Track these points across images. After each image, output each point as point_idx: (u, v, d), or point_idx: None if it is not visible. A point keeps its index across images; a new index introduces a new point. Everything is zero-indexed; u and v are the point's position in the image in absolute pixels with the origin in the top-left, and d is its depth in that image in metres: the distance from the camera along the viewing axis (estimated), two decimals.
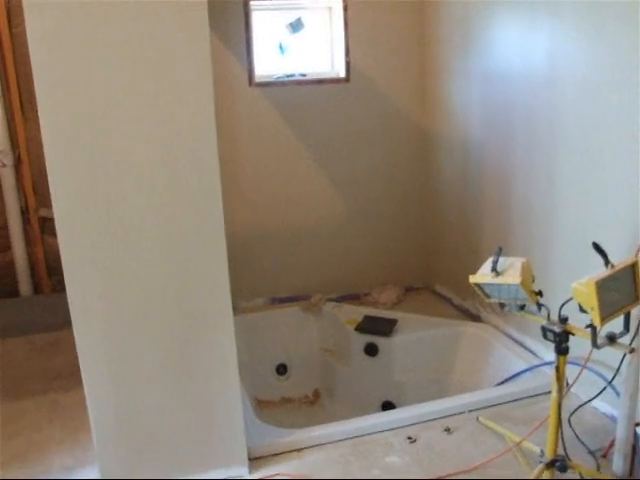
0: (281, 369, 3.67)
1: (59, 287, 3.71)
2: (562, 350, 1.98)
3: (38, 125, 1.80)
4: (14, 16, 3.35)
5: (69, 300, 2.04)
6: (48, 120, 1.91)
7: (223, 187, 2.09)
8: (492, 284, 1.97)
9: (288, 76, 3.64)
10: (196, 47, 1.96)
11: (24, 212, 3.64)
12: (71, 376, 2.97)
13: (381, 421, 2.55)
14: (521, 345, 3.09)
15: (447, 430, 2.50)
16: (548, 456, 2.09)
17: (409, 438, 2.45)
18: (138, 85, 1.95)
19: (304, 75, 3.67)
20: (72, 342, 2.08)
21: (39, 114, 1.89)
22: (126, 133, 1.97)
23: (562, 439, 2.09)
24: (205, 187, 2.07)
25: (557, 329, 1.96)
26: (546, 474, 2.08)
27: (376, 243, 3.97)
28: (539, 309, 2.02)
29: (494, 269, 1.95)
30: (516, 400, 2.68)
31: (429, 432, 2.50)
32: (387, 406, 3.32)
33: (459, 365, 3.33)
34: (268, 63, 3.66)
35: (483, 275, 1.98)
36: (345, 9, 3.60)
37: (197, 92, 1.99)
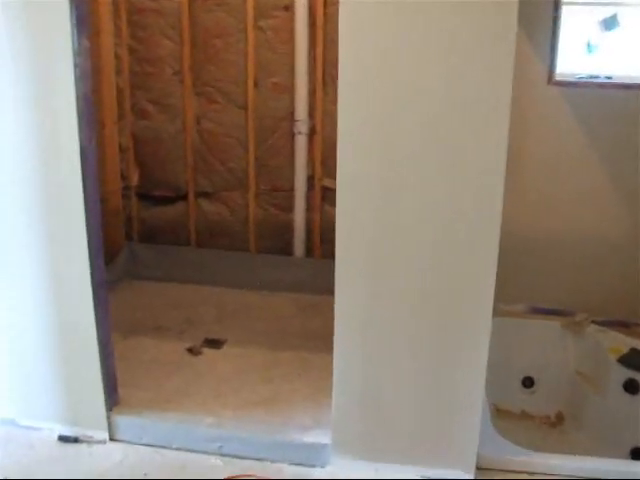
0: (527, 382, 3.50)
1: (328, 254, 3.92)
2: None
3: (333, 100, 1.92)
4: None
5: (336, 270, 2.16)
6: (346, 98, 2.01)
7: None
8: None
9: (591, 77, 3.38)
10: (500, 48, 1.90)
11: (310, 179, 3.91)
12: (324, 339, 3.11)
13: (633, 470, 2.31)
14: None
15: None
16: None
17: None
18: (436, 79, 1.96)
19: (609, 78, 3.38)
20: (331, 308, 2.20)
21: (338, 90, 2.01)
22: (415, 124, 2.01)
23: None
24: (487, 187, 2.03)
25: None
26: None
27: None
28: None
29: None
30: None
31: None
32: (637, 453, 3.00)
33: None
34: (570, 61, 3.42)
35: None
36: None
37: (495, 91, 1.95)
